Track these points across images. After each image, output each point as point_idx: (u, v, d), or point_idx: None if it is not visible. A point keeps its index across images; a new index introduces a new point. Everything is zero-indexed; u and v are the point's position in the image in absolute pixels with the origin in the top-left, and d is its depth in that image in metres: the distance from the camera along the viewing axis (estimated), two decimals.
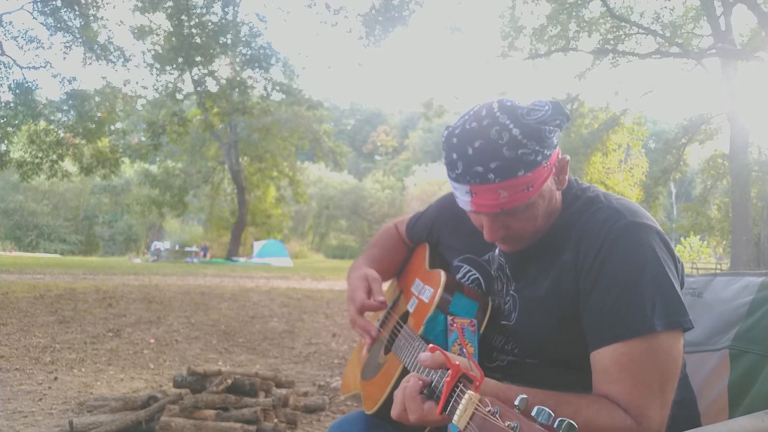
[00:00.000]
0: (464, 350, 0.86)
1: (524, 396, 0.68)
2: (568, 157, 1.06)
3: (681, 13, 15.99)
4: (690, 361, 1.33)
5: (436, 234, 1.36)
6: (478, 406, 0.74)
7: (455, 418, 0.76)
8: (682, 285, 1.02)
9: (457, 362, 0.82)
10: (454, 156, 0.99)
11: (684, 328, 0.96)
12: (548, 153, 0.98)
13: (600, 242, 0.99)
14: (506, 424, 0.67)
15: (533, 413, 0.65)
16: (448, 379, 0.81)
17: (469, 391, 0.77)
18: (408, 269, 1.43)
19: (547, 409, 0.65)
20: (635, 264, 0.96)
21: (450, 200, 1.33)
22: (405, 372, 1.07)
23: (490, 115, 0.97)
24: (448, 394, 0.81)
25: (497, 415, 0.69)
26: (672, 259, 1.01)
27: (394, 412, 0.91)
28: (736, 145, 14.19)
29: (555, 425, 0.63)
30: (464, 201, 1.02)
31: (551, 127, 0.98)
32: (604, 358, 0.95)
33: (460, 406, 0.76)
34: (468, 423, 0.74)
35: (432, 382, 0.88)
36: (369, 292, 1.26)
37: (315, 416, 3.65)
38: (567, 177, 1.07)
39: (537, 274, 1.08)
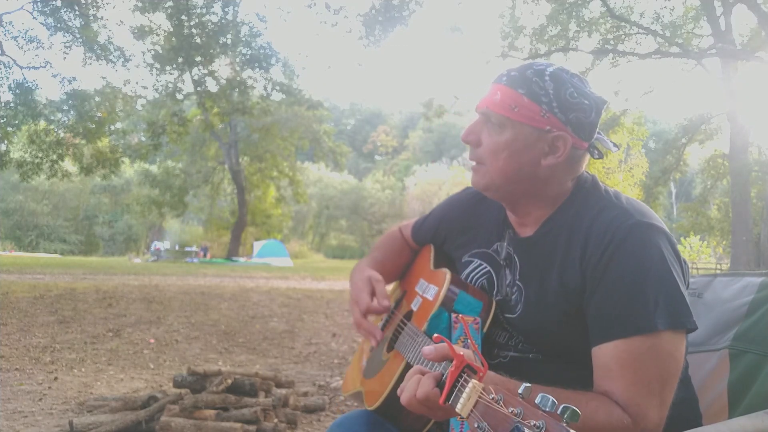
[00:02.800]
0: (469, 342, 0.87)
1: (528, 384, 0.68)
2: (584, 153, 1.08)
3: (681, 13, 15.96)
4: (690, 361, 1.33)
5: (443, 233, 1.35)
6: (482, 394, 0.74)
7: (458, 406, 0.76)
8: (687, 286, 1.03)
9: (462, 353, 0.83)
10: None
11: (687, 329, 0.96)
12: (558, 114, 1.02)
13: (608, 240, 0.99)
14: (509, 410, 0.67)
15: (537, 401, 0.65)
16: (452, 369, 0.81)
17: (473, 380, 0.77)
18: (412, 271, 1.44)
19: (551, 396, 0.65)
20: (641, 263, 0.97)
21: (456, 200, 1.35)
22: (408, 368, 1.07)
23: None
24: (452, 384, 0.81)
25: (501, 402, 0.69)
26: (677, 261, 1.01)
27: (405, 396, 0.89)
28: (736, 145, 14.16)
29: (559, 412, 0.63)
30: None
31: (575, 101, 1.02)
32: (605, 354, 0.95)
33: (464, 395, 0.76)
34: (471, 410, 0.74)
35: (443, 375, 0.87)
36: (373, 295, 1.27)
37: (315, 416, 3.65)
38: (580, 170, 1.10)
39: (543, 266, 1.09)
